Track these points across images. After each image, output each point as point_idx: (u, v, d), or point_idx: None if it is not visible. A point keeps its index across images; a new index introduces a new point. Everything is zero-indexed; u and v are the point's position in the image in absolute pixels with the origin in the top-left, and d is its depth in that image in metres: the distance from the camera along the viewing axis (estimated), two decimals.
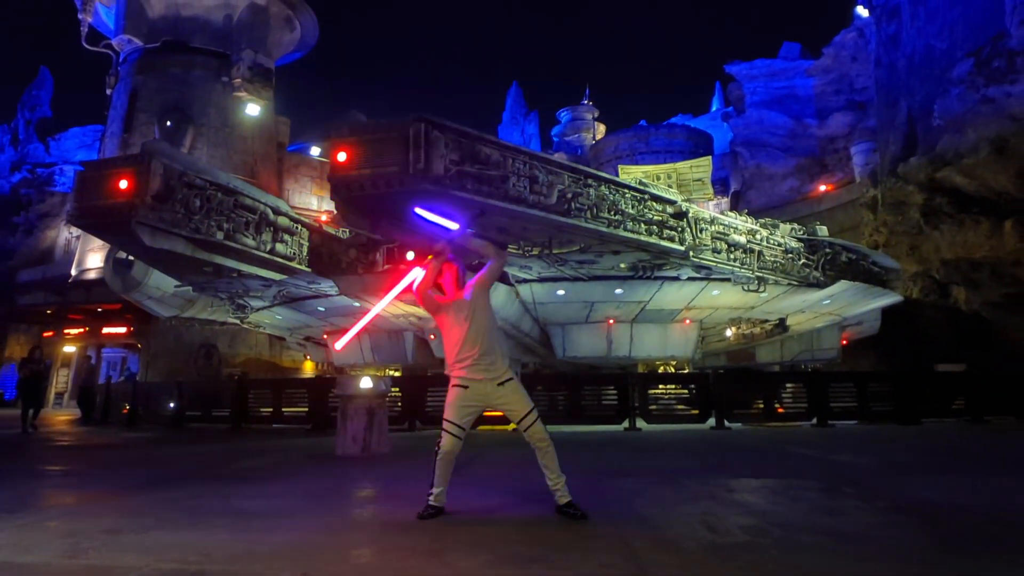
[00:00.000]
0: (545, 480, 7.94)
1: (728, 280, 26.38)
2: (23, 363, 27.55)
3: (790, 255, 27.56)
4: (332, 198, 18.90)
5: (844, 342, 37.11)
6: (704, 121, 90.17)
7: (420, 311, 27.33)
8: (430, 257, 8.15)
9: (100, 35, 59.59)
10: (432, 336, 30.96)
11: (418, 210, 8.48)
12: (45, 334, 56.69)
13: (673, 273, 25.91)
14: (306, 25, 63.72)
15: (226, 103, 56.13)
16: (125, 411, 29.19)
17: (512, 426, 7.95)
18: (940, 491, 9.71)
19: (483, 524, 7.62)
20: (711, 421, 23.34)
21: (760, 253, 26.37)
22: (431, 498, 8.00)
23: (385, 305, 8.28)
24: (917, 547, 6.54)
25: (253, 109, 56.82)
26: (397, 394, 23.50)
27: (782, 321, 33.12)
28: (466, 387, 7.98)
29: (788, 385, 26.61)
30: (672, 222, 23.44)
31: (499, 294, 24.98)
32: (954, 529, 7.36)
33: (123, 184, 19.99)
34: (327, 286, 27.54)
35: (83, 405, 35.91)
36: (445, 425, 8.04)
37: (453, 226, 8.42)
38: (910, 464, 13.25)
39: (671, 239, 23.30)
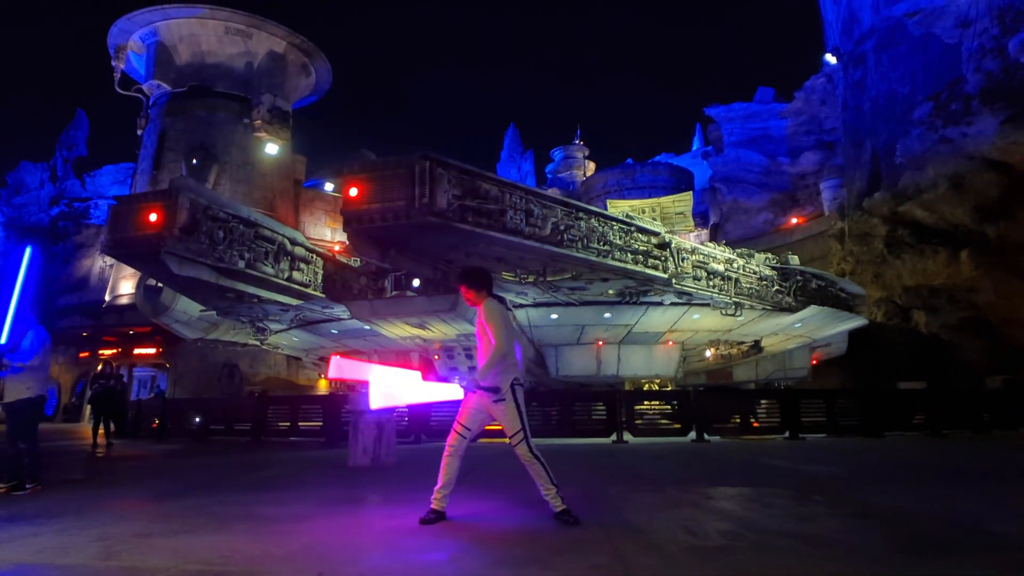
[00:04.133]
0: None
1: (708, 305, 26.48)
2: (95, 378, 27.39)
3: (764, 282, 27.67)
4: (344, 230, 19.01)
5: (814, 362, 37.15)
6: (686, 159, 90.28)
7: (425, 334, 27.45)
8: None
9: (132, 80, 59.88)
10: (436, 356, 30.96)
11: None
12: (81, 355, 56.75)
13: (657, 299, 25.99)
14: (321, 71, 64.13)
15: (247, 143, 56.51)
16: (155, 425, 29.12)
17: (514, 444, 7.97)
18: (901, 499, 9.74)
19: (484, 529, 7.63)
20: (692, 434, 23.27)
21: (737, 280, 26.48)
22: (434, 500, 8.02)
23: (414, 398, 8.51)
24: (879, 550, 6.56)
25: (272, 148, 57.16)
26: (404, 410, 23.44)
27: (757, 343, 33.21)
28: (473, 392, 8.04)
29: (763, 401, 26.54)
30: (656, 252, 23.55)
31: None
32: (913, 533, 7.38)
33: (153, 217, 20.14)
34: (340, 311, 27.59)
35: (117, 419, 36.00)
36: (455, 425, 8.10)
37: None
38: (874, 474, 13.23)
39: (655, 267, 23.41)
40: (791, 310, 28.82)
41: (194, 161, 53.60)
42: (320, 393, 48.95)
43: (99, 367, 28.26)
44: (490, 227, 18.73)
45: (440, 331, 26.97)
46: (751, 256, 28.26)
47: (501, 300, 8.37)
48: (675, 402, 25.61)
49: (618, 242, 22.41)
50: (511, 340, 8.07)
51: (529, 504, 8.57)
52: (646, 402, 26.57)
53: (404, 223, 17.96)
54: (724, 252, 27.18)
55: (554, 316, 27.12)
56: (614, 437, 22.73)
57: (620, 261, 22.45)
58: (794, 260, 30.45)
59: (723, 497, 9.80)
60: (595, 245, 21.54)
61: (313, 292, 26.11)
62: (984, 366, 35.29)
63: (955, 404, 26.30)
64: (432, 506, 8.03)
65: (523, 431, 7.87)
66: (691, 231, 57.38)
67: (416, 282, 24.36)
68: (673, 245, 24.48)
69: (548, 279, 23.14)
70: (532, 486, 7.98)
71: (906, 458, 16.81)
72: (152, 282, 28.44)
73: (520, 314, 26.76)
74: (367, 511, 9.29)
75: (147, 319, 33.11)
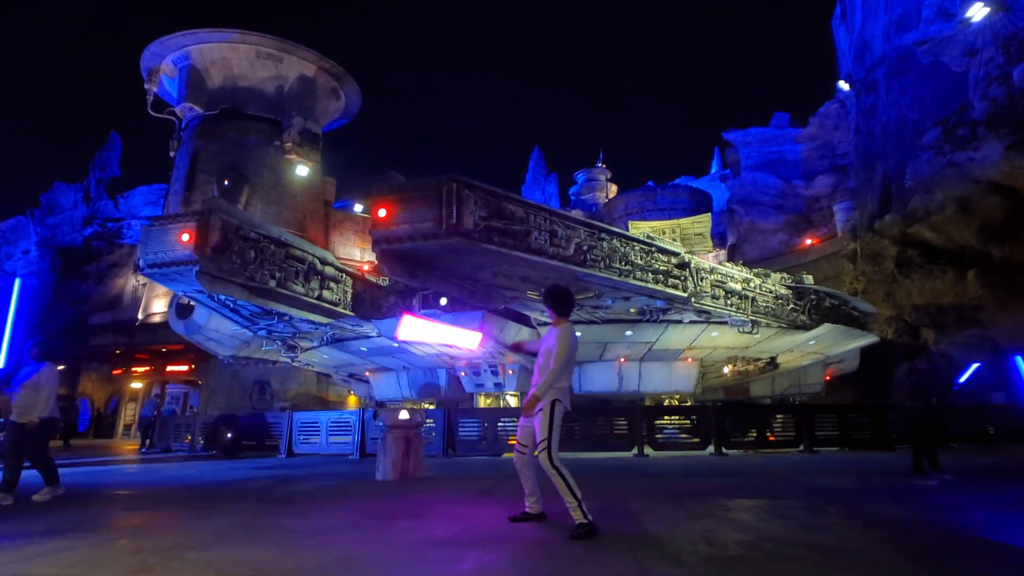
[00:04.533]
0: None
1: (726, 323, 26.46)
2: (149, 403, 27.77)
3: (780, 301, 27.66)
4: (373, 249, 19.02)
5: (828, 378, 37.15)
6: (704, 182, 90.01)
7: (452, 351, 27.58)
8: None
9: (164, 103, 60.11)
10: (463, 373, 31.03)
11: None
12: (114, 372, 56.88)
13: (677, 317, 25.98)
14: (350, 95, 64.25)
15: (278, 165, 56.66)
16: (187, 440, 29.18)
17: (536, 452, 8.13)
18: (910, 509, 9.81)
19: (510, 540, 7.69)
20: (710, 448, 23.34)
21: (754, 299, 26.48)
22: (528, 506, 8.80)
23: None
24: (890, 558, 6.63)
25: (302, 170, 57.31)
26: (432, 425, 23.52)
27: (773, 359, 33.17)
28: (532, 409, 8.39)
29: (778, 416, 26.59)
30: (676, 271, 23.57)
31: (523, 336, 25.18)
32: (922, 543, 7.45)
33: (185, 237, 20.19)
34: (369, 328, 27.61)
35: (143, 432, 36.36)
36: (515, 444, 8.79)
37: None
38: (885, 485, 13.27)
39: (675, 287, 23.42)
40: (805, 328, 28.82)
41: (226, 182, 53.70)
42: (350, 409, 49.02)
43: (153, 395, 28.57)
44: (515, 247, 18.79)
45: (467, 348, 27.07)
46: (767, 276, 28.29)
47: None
48: (694, 417, 25.68)
49: (639, 262, 22.47)
50: (569, 367, 8.60)
51: (554, 516, 8.63)
52: (666, 417, 26.67)
53: (431, 243, 18.02)
54: (741, 272, 27.22)
55: (577, 334, 26.97)
56: (635, 451, 22.80)
57: (641, 280, 22.51)
58: (808, 279, 30.46)
59: (740, 509, 9.86)
60: (617, 265, 21.61)
61: (343, 310, 26.17)
62: (990, 382, 35.31)
63: (962, 418, 26.34)
64: (527, 510, 8.78)
65: (548, 441, 8.07)
66: (709, 251, 57.21)
67: (443, 301, 24.44)
68: (692, 265, 24.52)
69: None
70: (555, 499, 8.07)
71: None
72: (185, 300, 28.57)
73: (544, 332, 26.84)
74: (395, 524, 9.32)
75: (179, 337, 33.20)
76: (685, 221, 57.43)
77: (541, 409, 8.20)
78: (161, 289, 47.81)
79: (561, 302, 8.88)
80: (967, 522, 8.79)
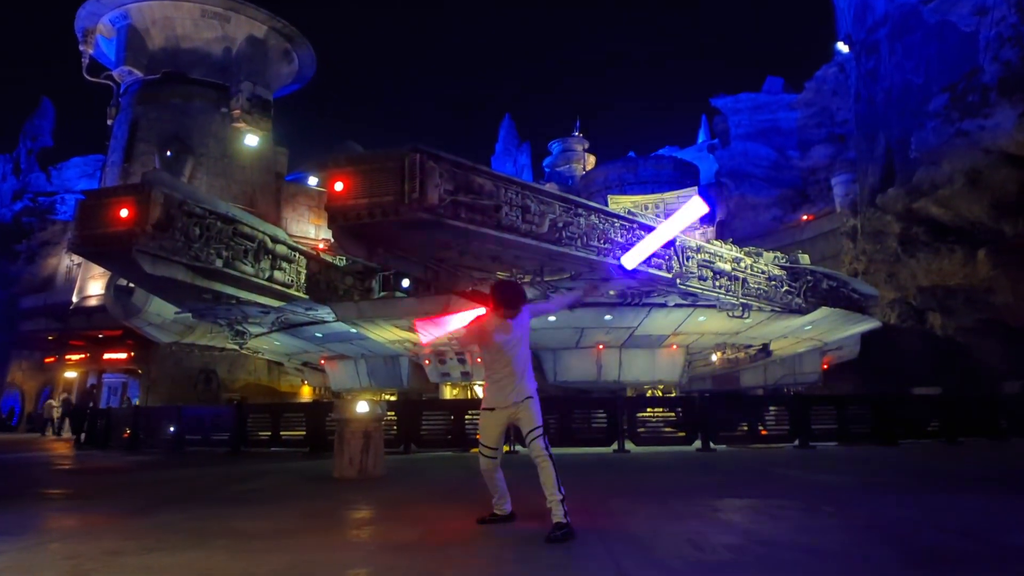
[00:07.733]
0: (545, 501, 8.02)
1: (714, 307, 26.48)
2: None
3: (773, 282, 27.67)
4: (329, 227, 18.95)
5: (825, 366, 37.25)
6: (691, 153, 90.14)
7: (415, 337, 27.39)
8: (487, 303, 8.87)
9: (101, 66, 59.45)
10: (427, 361, 30.95)
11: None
12: (47, 360, 56.50)
13: (661, 300, 26.00)
14: (304, 58, 63.88)
15: (225, 134, 56.30)
16: (126, 435, 28.96)
17: (506, 448, 8.15)
18: (915, 509, 9.80)
19: (479, 543, 7.67)
20: (697, 443, 23.24)
21: (744, 280, 26.47)
22: (495, 507, 8.74)
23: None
24: (892, 563, 6.59)
25: (252, 139, 56.91)
26: (393, 418, 23.33)
27: (766, 346, 33.25)
28: (492, 409, 8.50)
29: (771, 408, 26.50)
30: (659, 250, 23.49)
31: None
32: (925, 545, 7.42)
33: (124, 213, 20.03)
34: (324, 313, 27.53)
35: (75, 424, 36.21)
36: (480, 448, 8.64)
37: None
38: (887, 483, 13.27)
39: (658, 267, 23.37)
40: (801, 312, 28.86)
41: (168, 153, 53.30)
42: (303, 400, 48.90)
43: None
44: (484, 224, 18.71)
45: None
46: (759, 255, 28.31)
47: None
48: (679, 409, 25.59)
49: (620, 240, 22.39)
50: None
51: (528, 517, 8.59)
52: (649, 409, 26.56)
53: (393, 219, 17.91)
54: (731, 251, 27.21)
55: (552, 319, 27.01)
56: (615, 446, 22.72)
57: None
58: (804, 259, 30.50)
59: (730, 509, 9.84)
60: (595, 243, 21.54)
61: (296, 293, 26.08)
62: (1002, 370, 35.36)
63: (971, 410, 26.32)
64: (495, 511, 8.71)
65: (542, 427, 8.21)
66: (696, 228, 57.44)
67: (406, 282, 24.39)
68: (677, 243, 24.51)
69: (546, 279, 23.11)
70: (531, 497, 8.05)
71: (920, 467, 16.86)
72: (123, 282, 28.39)
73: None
74: (353, 525, 9.31)
75: (118, 322, 33.05)
76: (670, 195, 57.75)
77: (531, 397, 8.35)
78: (98, 270, 47.45)
79: (517, 298, 8.96)
80: (976, 522, 8.82)
